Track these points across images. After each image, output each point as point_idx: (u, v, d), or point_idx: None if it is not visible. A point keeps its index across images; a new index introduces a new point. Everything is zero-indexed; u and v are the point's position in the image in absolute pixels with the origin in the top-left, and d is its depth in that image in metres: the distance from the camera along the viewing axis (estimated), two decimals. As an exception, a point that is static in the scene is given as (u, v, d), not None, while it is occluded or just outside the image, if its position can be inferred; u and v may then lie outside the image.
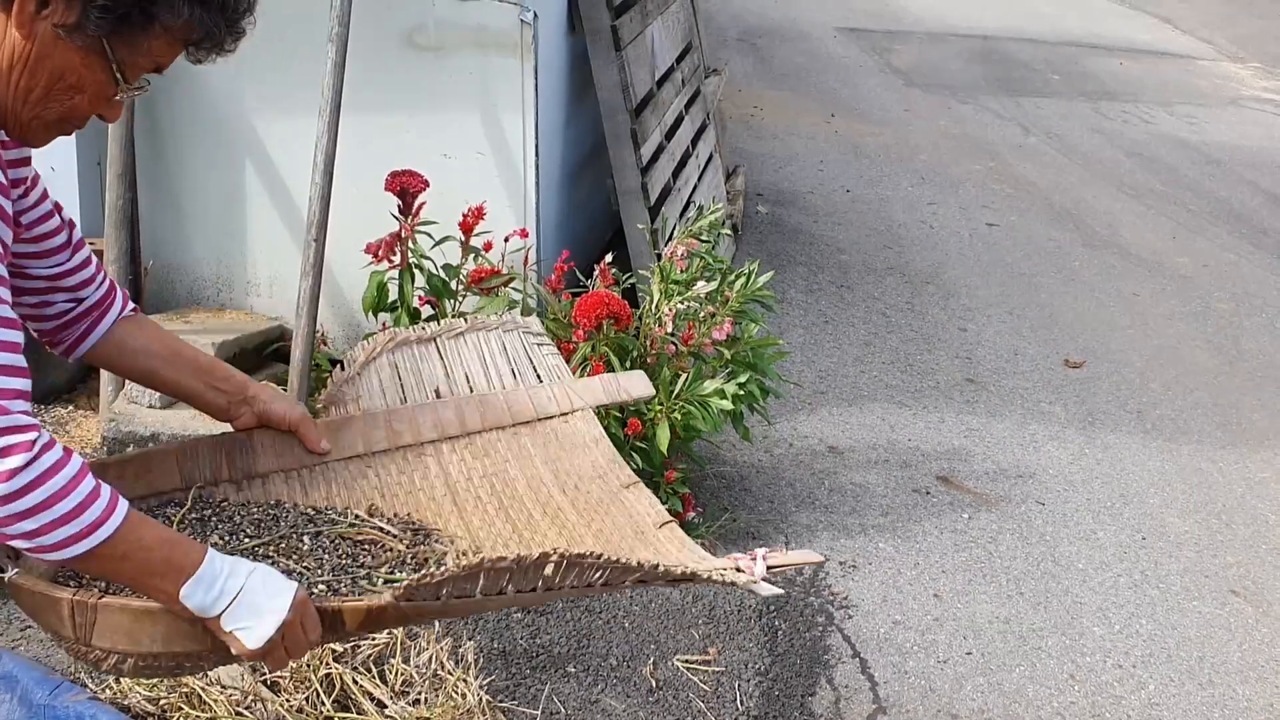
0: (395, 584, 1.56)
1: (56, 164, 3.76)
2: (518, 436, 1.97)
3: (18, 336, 1.37)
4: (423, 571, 1.56)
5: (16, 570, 1.49)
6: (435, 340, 2.05)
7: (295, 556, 1.67)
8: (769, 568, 1.68)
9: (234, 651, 1.47)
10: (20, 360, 1.35)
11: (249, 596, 1.43)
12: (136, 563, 1.40)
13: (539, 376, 2.08)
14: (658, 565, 1.56)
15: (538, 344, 2.12)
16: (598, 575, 1.54)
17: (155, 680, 2.45)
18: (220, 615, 1.43)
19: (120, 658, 1.49)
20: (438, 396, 1.99)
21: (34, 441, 1.31)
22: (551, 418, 2.02)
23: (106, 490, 1.38)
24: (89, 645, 1.47)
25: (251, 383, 1.86)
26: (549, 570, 1.49)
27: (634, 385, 2.16)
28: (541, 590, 1.54)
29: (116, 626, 1.46)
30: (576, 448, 1.98)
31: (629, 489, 1.91)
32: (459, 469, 1.91)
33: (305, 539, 1.71)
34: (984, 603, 3.43)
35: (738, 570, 1.65)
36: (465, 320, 2.11)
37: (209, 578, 1.42)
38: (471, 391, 2.01)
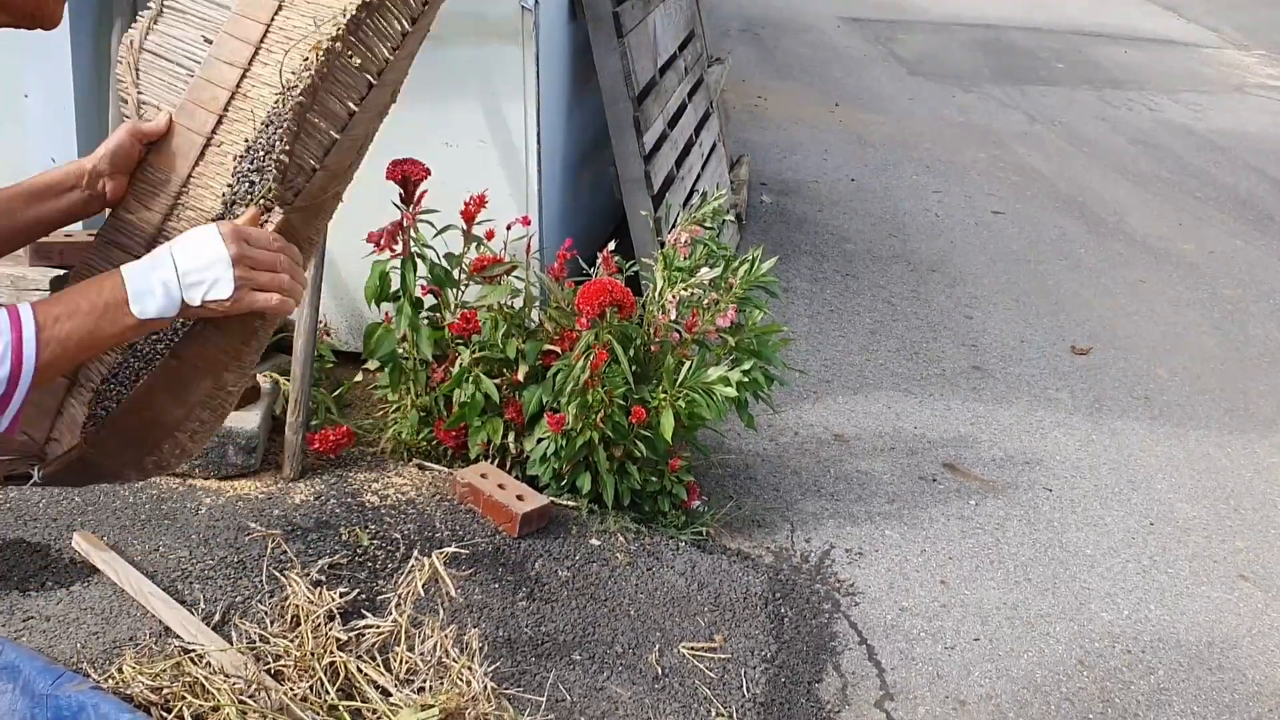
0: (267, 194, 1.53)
1: (58, 155, 3.74)
2: (294, 6, 1.77)
3: None
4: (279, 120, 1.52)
5: (40, 468, 1.49)
6: (167, 2, 1.91)
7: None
8: None
9: (224, 313, 1.45)
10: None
11: (186, 264, 1.41)
12: (77, 335, 1.37)
13: None
14: None
15: None
16: (396, 21, 1.53)
17: (158, 670, 2.44)
18: (182, 301, 1.41)
19: (170, 432, 1.54)
20: (208, 43, 1.83)
21: None
22: None
23: (1, 313, 1.34)
24: (161, 438, 1.53)
25: (82, 160, 1.72)
26: (359, 51, 1.49)
27: None
28: (376, 78, 1.54)
29: (164, 398, 1.50)
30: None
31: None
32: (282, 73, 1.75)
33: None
34: (991, 589, 3.41)
35: None
36: None
37: (143, 287, 1.39)
38: (230, 10, 1.85)
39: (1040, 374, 4.79)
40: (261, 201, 1.54)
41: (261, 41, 1.83)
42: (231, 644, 2.57)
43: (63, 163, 1.72)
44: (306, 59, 1.56)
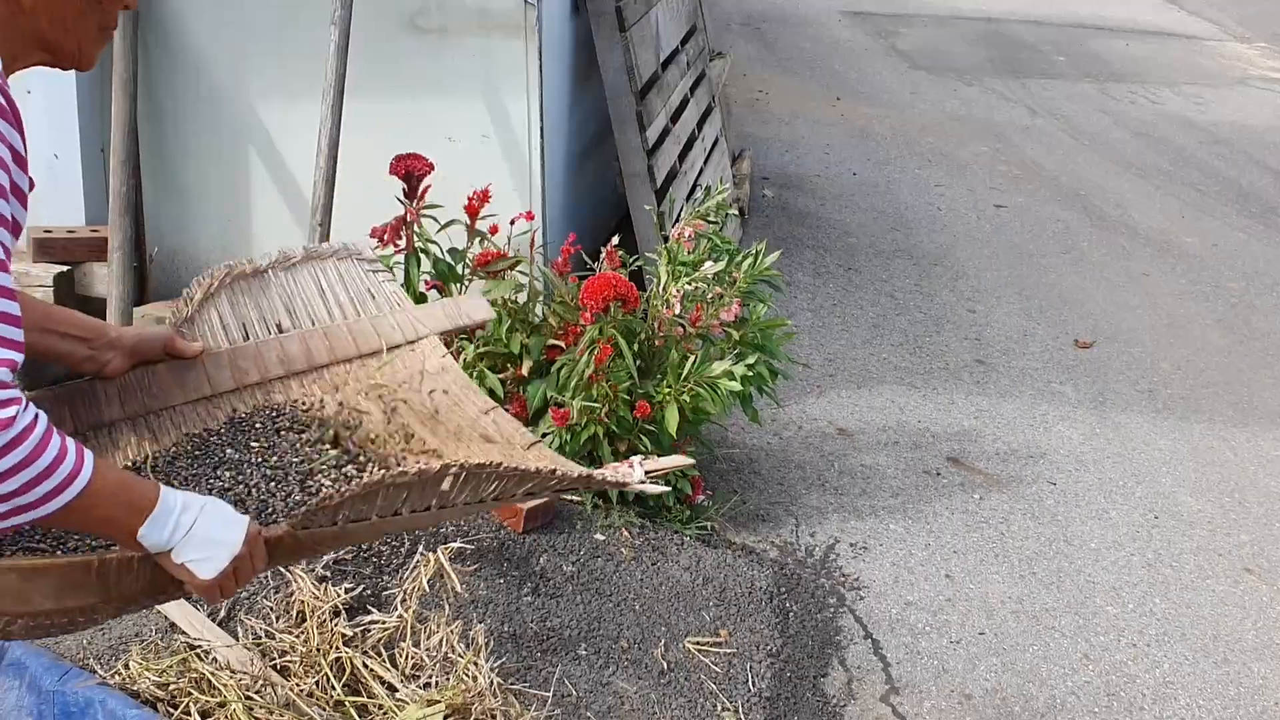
0: (294, 514, 1.54)
1: (60, 151, 3.74)
2: (365, 367, 1.90)
3: (16, 310, 1.36)
4: (320, 495, 1.53)
5: None
6: (270, 272, 1.96)
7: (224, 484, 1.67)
8: (646, 472, 1.76)
9: (186, 584, 1.48)
10: (18, 334, 1.34)
11: (203, 530, 1.45)
12: (101, 510, 1.40)
13: (378, 306, 2.00)
14: (554, 470, 1.54)
15: (373, 271, 2.04)
16: (493, 487, 1.51)
17: (164, 666, 2.44)
18: (172, 550, 1.44)
19: (8, 620, 1.45)
20: (280, 332, 1.91)
21: (15, 416, 1.31)
22: (398, 346, 1.94)
23: (70, 442, 1.37)
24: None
25: (113, 326, 1.79)
26: (446, 485, 1.47)
27: (475, 309, 2.09)
28: (435, 508, 1.52)
29: (5, 589, 1.43)
30: (427, 376, 1.92)
31: (488, 414, 1.86)
32: (311, 404, 1.84)
33: (224, 471, 1.69)
34: (996, 583, 3.41)
35: (622, 475, 1.67)
36: (301, 249, 2.01)
37: (164, 515, 1.43)
38: (314, 324, 1.93)
39: (1044, 368, 4.78)
40: (291, 520, 1.52)
41: (316, 370, 1.88)
42: (237, 640, 2.56)
43: (82, 322, 1.76)
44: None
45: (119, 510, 1.42)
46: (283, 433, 1.79)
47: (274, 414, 1.83)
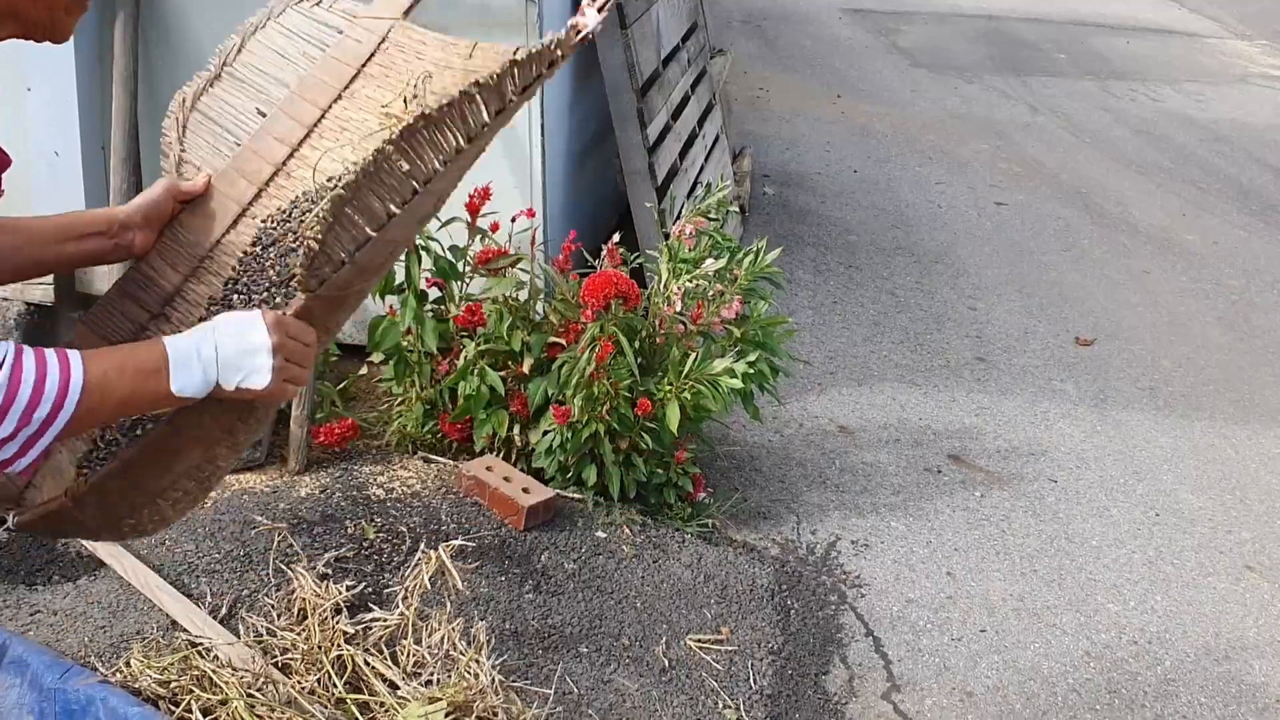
0: (296, 279, 1.51)
1: (61, 149, 3.74)
2: (354, 98, 1.84)
3: None
4: (300, 228, 1.52)
5: (16, 513, 1.48)
6: (225, 70, 1.89)
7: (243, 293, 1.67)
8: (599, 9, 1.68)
9: (254, 400, 1.47)
10: None
11: (229, 349, 1.43)
12: (120, 391, 1.39)
13: (340, 34, 1.91)
14: (511, 61, 1.51)
15: (315, 5, 1.95)
16: (453, 137, 1.50)
17: (165, 663, 2.44)
18: (218, 381, 1.43)
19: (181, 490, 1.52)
20: (262, 116, 1.85)
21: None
22: (372, 56, 1.86)
23: (49, 353, 1.36)
24: (142, 503, 1.50)
25: (118, 209, 1.75)
26: (408, 156, 1.46)
27: None
28: (422, 187, 1.51)
29: (152, 463, 1.47)
30: (410, 62, 1.85)
31: (473, 57, 1.79)
32: (329, 161, 1.79)
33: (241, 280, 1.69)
34: (997, 580, 3.41)
35: (575, 30, 1.63)
36: (236, 29, 1.95)
37: (184, 360, 1.41)
38: (288, 88, 1.86)
39: (1044, 365, 4.78)
40: (292, 285, 1.51)
41: (315, 126, 1.82)
42: (239, 637, 2.56)
43: (94, 209, 1.74)
44: (356, 153, 1.54)
45: (137, 381, 1.39)
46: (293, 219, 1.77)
47: (291, 205, 1.79)
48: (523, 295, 3.46)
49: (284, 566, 2.82)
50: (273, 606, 2.68)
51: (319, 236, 1.44)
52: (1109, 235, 6.31)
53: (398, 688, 2.49)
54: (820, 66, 9.41)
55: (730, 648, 2.94)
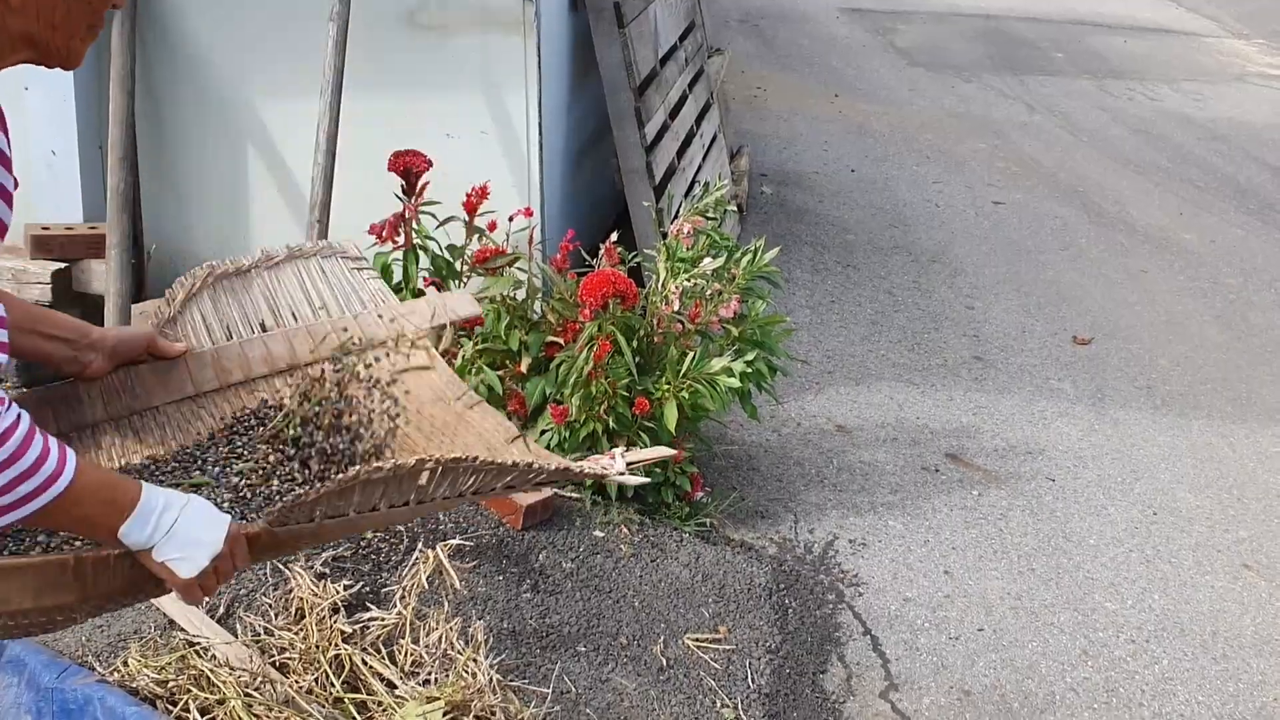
0: (270, 511, 1.53)
1: (58, 148, 3.74)
2: (346, 368, 1.88)
3: (0, 310, 1.37)
4: (294, 493, 1.52)
5: None
6: (254, 270, 1.95)
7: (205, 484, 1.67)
8: (628, 463, 1.74)
9: (167, 582, 1.48)
10: (2, 335, 1.35)
11: (185, 529, 1.45)
12: (84, 508, 1.40)
13: (363, 302, 1.99)
14: (531, 463, 1.54)
15: (358, 269, 2.02)
16: (471, 481, 1.51)
17: (163, 663, 2.44)
18: (153, 549, 1.44)
19: None
20: (264, 330, 1.90)
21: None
22: (382, 344, 1.93)
23: (54, 442, 1.37)
24: None
25: (95, 328, 1.78)
26: (424, 479, 1.47)
27: (460, 305, 2.07)
28: (414, 503, 1.52)
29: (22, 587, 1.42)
30: (411, 372, 1.90)
31: (474, 409, 1.85)
32: (292, 402, 1.83)
33: (199, 470, 1.69)
34: (995, 579, 3.41)
35: (602, 466, 1.66)
36: (285, 248, 2.00)
37: (146, 513, 1.43)
38: (297, 322, 1.92)
39: (1042, 364, 4.78)
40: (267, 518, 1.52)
41: (299, 369, 1.87)
42: (236, 637, 2.56)
43: (65, 321, 1.74)
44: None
45: (101, 509, 1.41)
46: (264, 429, 1.79)
47: (257, 411, 1.83)
48: (520, 294, 3.46)
49: (281, 566, 2.82)
50: (270, 606, 2.68)
51: (319, 494, 1.44)
52: (1106, 234, 6.32)
53: (395, 687, 2.48)
54: (818, 65, 9.41)
55: (728, 647, 2.94)
